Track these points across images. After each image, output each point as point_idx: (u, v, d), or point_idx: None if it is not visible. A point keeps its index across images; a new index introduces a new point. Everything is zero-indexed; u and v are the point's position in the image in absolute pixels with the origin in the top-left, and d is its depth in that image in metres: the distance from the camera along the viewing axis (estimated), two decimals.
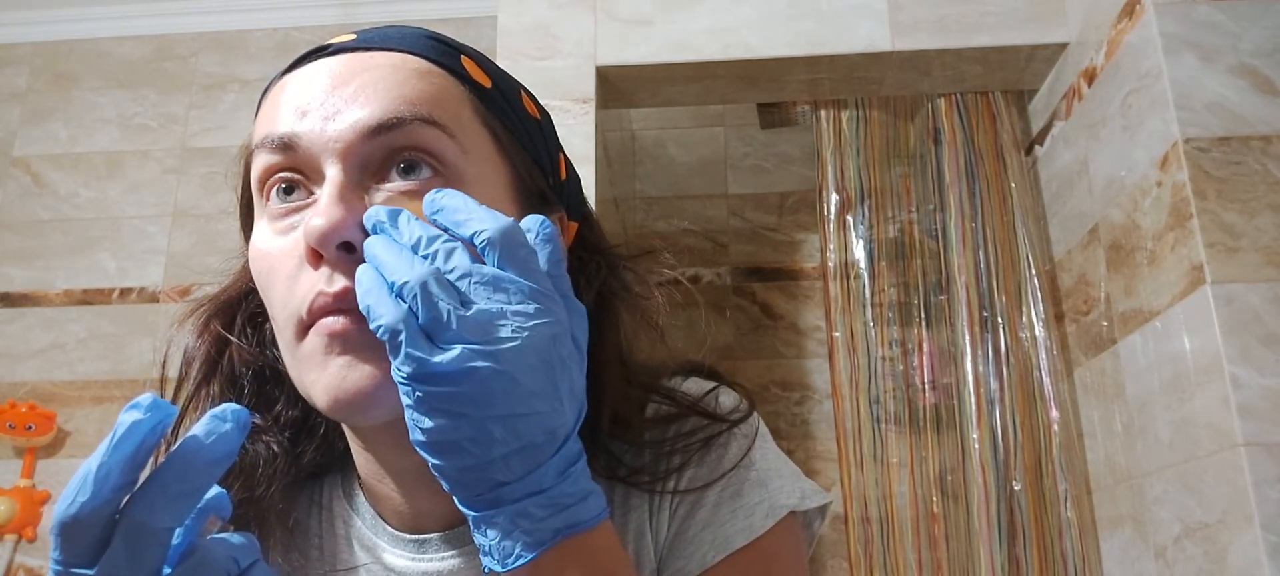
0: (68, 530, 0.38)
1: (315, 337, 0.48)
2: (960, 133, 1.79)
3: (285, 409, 0.60)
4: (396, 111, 0.50)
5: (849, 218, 1.82)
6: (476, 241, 0.44)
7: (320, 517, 0.63)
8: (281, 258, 0.50)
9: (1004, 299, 1.68)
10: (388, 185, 0.50)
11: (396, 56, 0.53)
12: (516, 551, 0.43)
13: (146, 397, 0.39)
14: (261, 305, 0.54)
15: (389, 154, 0.50)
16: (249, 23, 2.32)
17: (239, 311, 0.60)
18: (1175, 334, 1.30)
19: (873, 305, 1.77)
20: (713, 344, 2.02)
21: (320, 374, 0.48)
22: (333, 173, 0.49)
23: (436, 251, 0.44)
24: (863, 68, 1.74)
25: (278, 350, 0.53)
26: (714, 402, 0.61)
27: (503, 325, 0.42)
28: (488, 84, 0.55)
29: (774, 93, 1.84)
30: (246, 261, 0.57)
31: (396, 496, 0.58)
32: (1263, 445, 1.15)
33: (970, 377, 1.66)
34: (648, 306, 0.61)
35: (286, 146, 0.50)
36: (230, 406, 0.41)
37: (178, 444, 0.40)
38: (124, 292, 2.13)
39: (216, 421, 0.40)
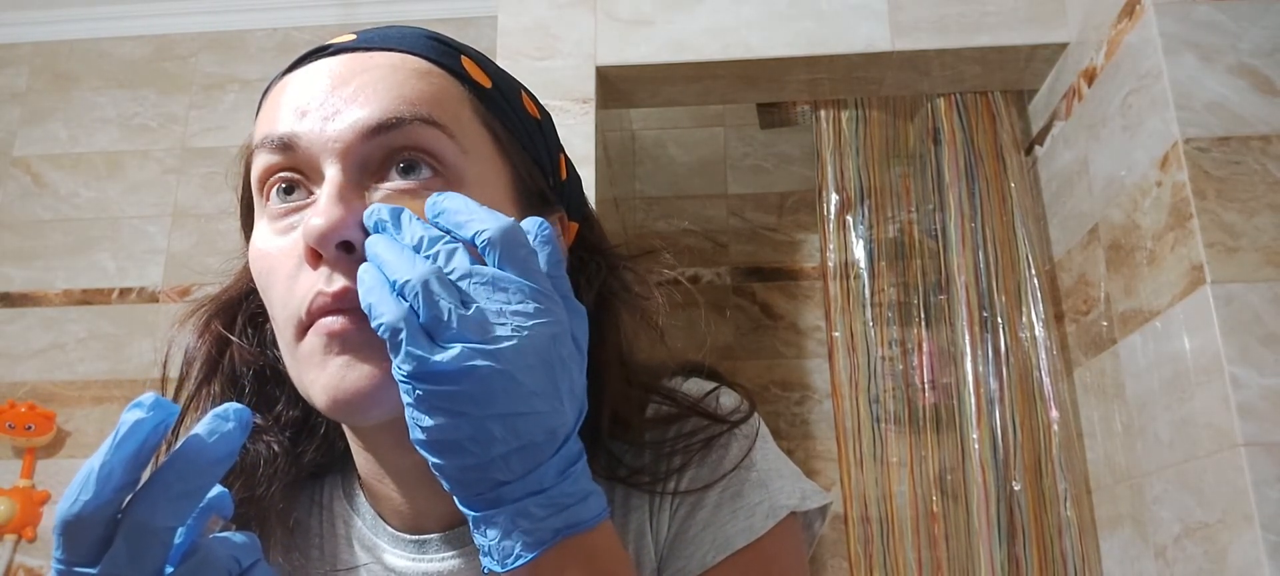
0: (70, 529, 0.38)
1: (314, 337, 0.48)
2: (960, 133, 1.79)
3: (286, 408, 0.60)
4: (396, 111, 0.50)
5: (849, 218, 1.82)
6: (477, 241, 0.44)
7: (321, 517, 0.63)
8: (281, 258, 0.50)
9: (1004, 299, 1.68)
10: (387, 185, 0.50)
11: (396, 57, 0.53)
12: (516, 551, 0.43)
13: (149, 397, 0.39)
14: (262, 305, 0.54)
15: (388, 154, 0.50)
16: (249, 23, 2.32)
17: (240, 311, 0.60)
18: (1175, 334, 1.30)
19: (872, 305, 1.77)
20: (713, 344, 2.02)
21: (319, 373, 0.48)
22: (332, 173, 0.49)
23: (438, 252, 0.44)
24: (863, 68, 1.74)
25: (278, 350, 0.53)
26: (715, 403, 0.61)
27: (502, 324, 0.42)
28: (488, 84, 0.56)
29: (774, 93, 1.84)
30: (247, 261, 0.57)
31: (397, 496, 0.58)
32: (1263, 445, 1.16)
33: (970, 377, 1.66)
34: (648, 307, 0.61)
35: (286, 146, 0.50)
36: (232, 405, 0.41)
37: (180, 443, 0.40)
38: (124, 292, 2.13)
39: (219, 420, 0.40)
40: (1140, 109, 1.39)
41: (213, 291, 0.62)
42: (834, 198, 1.83)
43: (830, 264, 1.80)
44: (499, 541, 0.43)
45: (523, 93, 0.59)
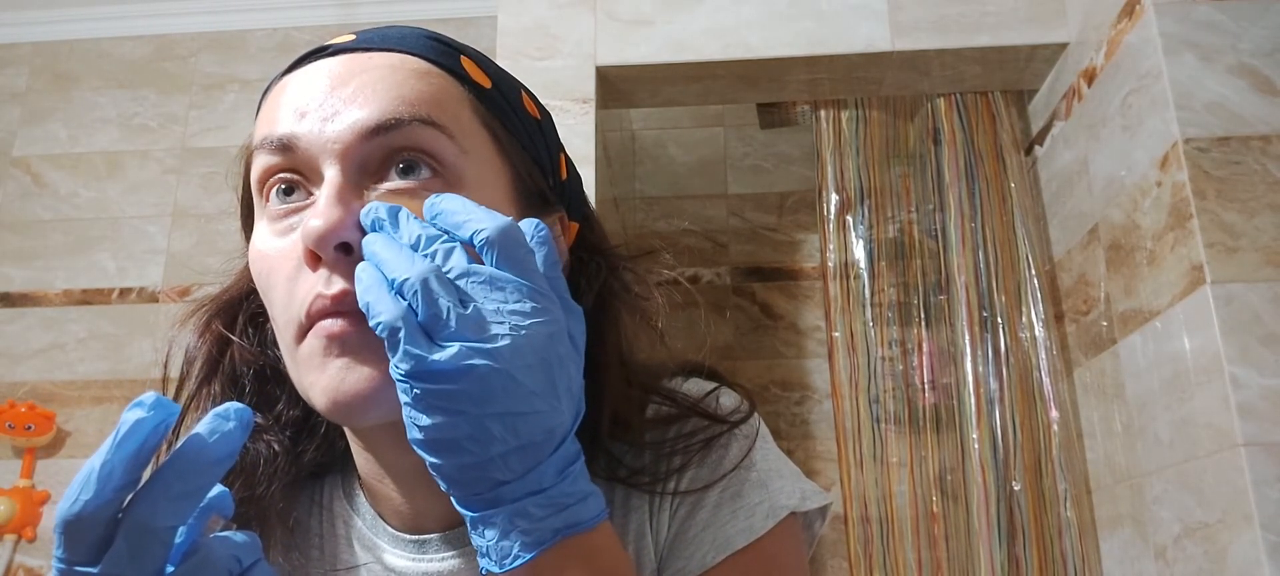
0: (71, 528, 0.38)
1: (314, 340, 0.48)
2: (960, 133, 1.79)
3: (287, 408, 0.60)
4: (395, 112, 0.50)
5: (849, 218, 1.82)
6: (475, 241, 0.44)
7: (321, 517, 0.63)
8: (280, 259, 0.50)
9: (1004, 299, 1.68)
10: (386, 185, 0.50)
11: (395, 57, 0.53)
12: (515, 551, 0.43)
13: (150, 396, 0.39)
14: (263, 305, 0.54)
15: (388, 155, 0.50)
16: (249, 23, 2.32)
17: (240, 311, 0.60)
18: (1175, 334, 1.30)
19: (872, 305, 1.77)
20: (713, 344, 2.02)
21: (319, 376, 0.48)
22: (331, 174, 0.49)
23: (436, 251, 0.44)
24: (863, 68, 1.74)
25: (279, 350, 0.53)
26: (715, 403, 0.61)
27: (500, 324, 0.42)
28: (487, 84, 0.55)
29: (774, 93, 1.84)
30: (248, 261, 0.57)
31: (396, 496, 0.58)
32: (1263, 445, 1.16)
33: (970, 377, 1.66)
34: (648, 307, 0.61)
35: (285, 147, 0.50)
36: (233, 405, 0.41)
37: (180, 443, 0.40)
38: (124, 292, 2.13)
39: (219, 420, 0.40)
40: (1140, 109, 1.39)
41: (213, 291, 0.62)
42: (834, 198, 1.83)
43: (830, 264, 1.80)
44: (497, 541, 0.43)
45: (523, 92, 0.59)
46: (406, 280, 0.42)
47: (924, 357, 1.74)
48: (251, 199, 0.55)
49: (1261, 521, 1.13)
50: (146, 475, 0.40)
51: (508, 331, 0.42)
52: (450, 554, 0.57)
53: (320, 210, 0.47)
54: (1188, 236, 1.27)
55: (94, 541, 0.38)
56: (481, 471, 0.42)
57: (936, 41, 1.68)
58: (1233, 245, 1.24)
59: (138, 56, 2.32)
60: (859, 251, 1.80)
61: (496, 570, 0.43)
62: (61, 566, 0.39)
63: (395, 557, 0.58)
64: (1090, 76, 1.57)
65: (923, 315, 1.77)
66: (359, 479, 0.61)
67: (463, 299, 0.42)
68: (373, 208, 0.46)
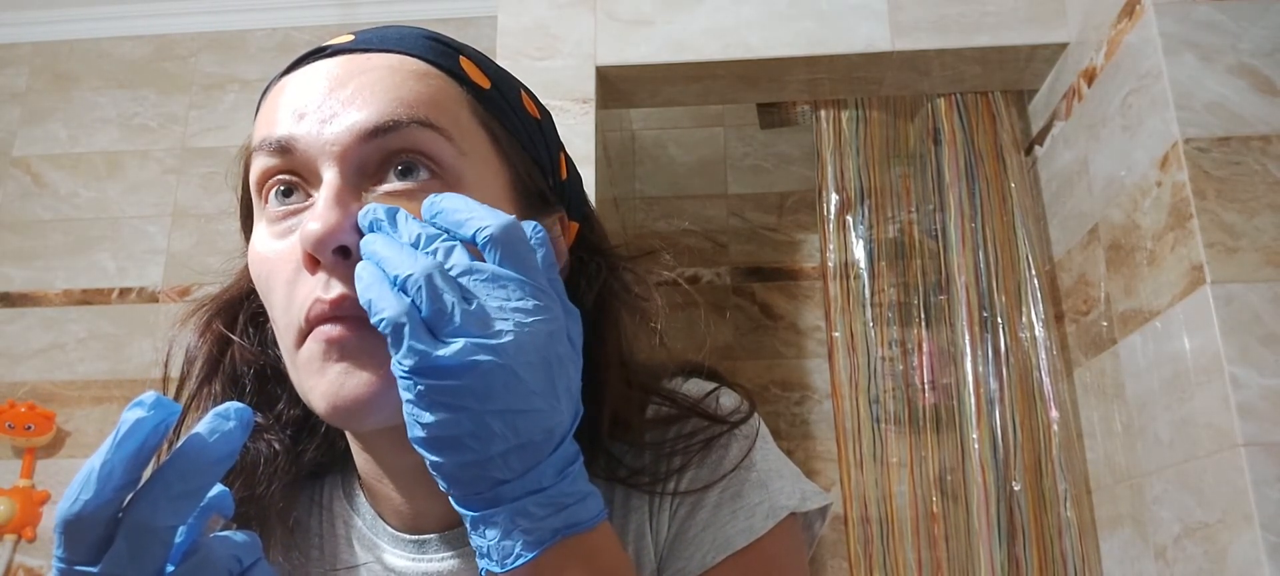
0: (71, 528, 0.38)
1: (313, 344, 0.48)
2: (960, 133, 1.79)
3: (287, 408, 0.60)
4: (393, 114, 0.50)
5: (849, 218, 1.82)
6: (479, 238, 0.44)
7: (321, 517, 0.63)
8: (280, 262, 0.50)
9: (1004, 299, 1.68)
10: (385, 187, 0.50)
11: (394, 58, 0.53)
12: (517, 551, 0.43)
13: (150, 396, 0.39)
14: (263, 305, 0.54)
15: (386, 157, 0.50)
16: (249, 23, 2.32)
17: (241, 311, 0.60)
18: (1175, 334, 1.30)
19: (872, 305, 1.77)
20: (713, 344, 2.02)
21: (319, 380, 0.48)
22: (330, 176, 0.49)
23: (437, 248, 0.44)
24: (863, 68, 1.74)
25: (279, 350, 0.53)
26: (715, 404, 0.61)
27: (503, 320, 0.42)
28: (486, 85, 0.55)
29: (774, 93, 1.84)
30: (248, 262, 0.57)
31: (396, 496, 0.58)
32: (1263, 445, 1.16)
33: (970, 377, 1.66)
34: (648, 308, 0.60)
35: (284, 149, 0.50)
36: (233, 405, 0.41)
37: (181, 442, 0.40)
38: (124, 292, 2.13)
39: (220, 420, 0.40)
40: (1140, 109, 1.39)
41: (213, 291, 0.62)
42: (834, 198, 1.83)
43: (830, 264, 1.80)
44: (498, 541, 0.43)
45: (522, 92, 0.59)
46: (409, 276, 0.42)
47: (924, 357, 1.74)
48: (250, 200, 0.55)
49: (1261, 521, 1.13)
50: (147, 475, 0.40)
51: (511, 327, 0.42)
52: (449, 554, 0.57)
53: (318, 213, 0.47)
54: (1188, 236, 1.27)
55: (94, 541, 0.38)
56: (482, 470, 0.42)
57: (936, 41, 1.68)
58: (1233, 245, 1.24)
59: (138, 56, 2.32)
60: (859, 251, 1.80)
61: (498, 570, 0.43)
62: (61, 566, 0.39)
63: (395, 557, 0.58)
64: (1090, 76, 1.57)
65: (923, 315, 1.77)
66: (359, 479, 0.61)
67: (466, 295, 0.42)
68: (371, 209, 0.46)
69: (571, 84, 1.69)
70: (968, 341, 1.68)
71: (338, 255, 0.47)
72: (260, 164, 0.51)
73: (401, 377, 0.41)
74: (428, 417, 0.41)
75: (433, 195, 0.47)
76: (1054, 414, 1.61)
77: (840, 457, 1.71)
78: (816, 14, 1.71)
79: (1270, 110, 1.30)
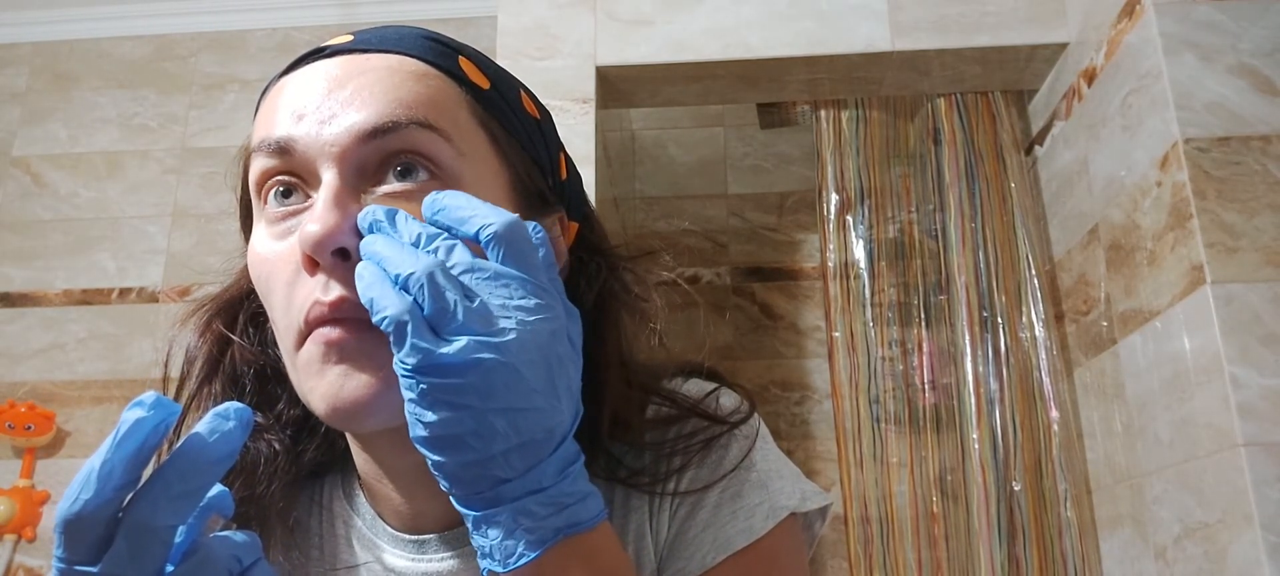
0: (71, 528, 0.38)
1: (312, 346, 0.48)
2: (960, 133, 1.79)
3: (287, 408, 0.60)
4: (392, 115, 0.50)
5: (849, 218, 1.82)
6: (482, 235, 0.44)
7: (320, 517, 0.63)
8: (279, 263, 0.50)
9: (1004, 299, 1.68)
10: (384, 189, 0.50)
11: (393, 59, 0.53)
12: (519, 550, 0.43)
13: (150, 396, 0.39)
14: (263, 305, 0.54)
15: (385, 158, 0.50)
16: (249, 23, 2.32)
17: (241, 311, 0.60)
18: (1175, 334, 1.30)
19: (873, 305, 1.77)
20: (712, 344, 2.02)
21: (318, 382, 0.48)
22: (329, 177, 0.49)
23: (438, 247, 0.44)
24: (863, 68, 1.74)
25: (279, 350, 0.53)
26: (715, 404, 0.60)
27: (506, 318, 0.42)
28: (486, 85, 0.55)
29: (774, 93, 1.84)
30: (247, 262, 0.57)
31: (396, 496, 0.58)
32: (1263, 445, 1.16)
33: (970, 377, 1.66)
34: (648, 308, 0.60)
35: (283, 150, 0.50)
36: (233, 404, 0.41)
37: (180, 442, 0.40)
38: (124, 292, 2.13)
39: (219, 420, 0.40)
40: (1140, 109, 1.39)
41: (213, 291, 0.62)
42: (834, 198, 1.83)
43: (830, 264, 1.80)
44: (501, 541, 0.43)
45: (522, 92, 0.59)
46: (411, 275, 0.41)
47: (924, 357, 1.74)
48: (250, 200, 0.55)
49: (1261, 521, 1.12)
50: (147, 475, 0.40)
51: (514, 326, 0.42)
52: (449, 554, 0.57)
53: (317, 215, 0.47)
54: (1188, 236, 1.27)
55: (94, 541, 0.38)
56: (483, 469, 0.42)
57: (936, 41, 1.68)
58: (1233, 245, 1.24)
59: (138, 56, 2.32)
60: (859, 251, 1.80)
61: (500, 570, 0.43)
62: (61, 566, 0.39)
63: (394, 557, 0.58)
64: (1090, 76, 1.57)
65: (923, 315, 1.77)
66: (359, 479, 0.61)
67: (468, 293, 0.42)
68: (370, 210, 0.46)
69: (571, 84, 1.69)
70: (968, 341, 1.68)
71: (337, 257, 0.47)
72: (259, 165, 0.51)
73: (404, 376, 0.41)
74: (430, 416, 0.41)
75: (434, 192, 0.47)
76: (1054, 414, 1.61)
77: (840, 457, 1.71)
78: (816, 14, 1.71)
79: (1270, 110, 1.30)
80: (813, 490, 0.61)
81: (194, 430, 0.40)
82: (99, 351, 2.09)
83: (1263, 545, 1.12)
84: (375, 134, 0.49)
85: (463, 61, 0.55)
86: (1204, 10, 1.35)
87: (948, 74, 1.75)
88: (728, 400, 0.61)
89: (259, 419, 0.59)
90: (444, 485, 0.43)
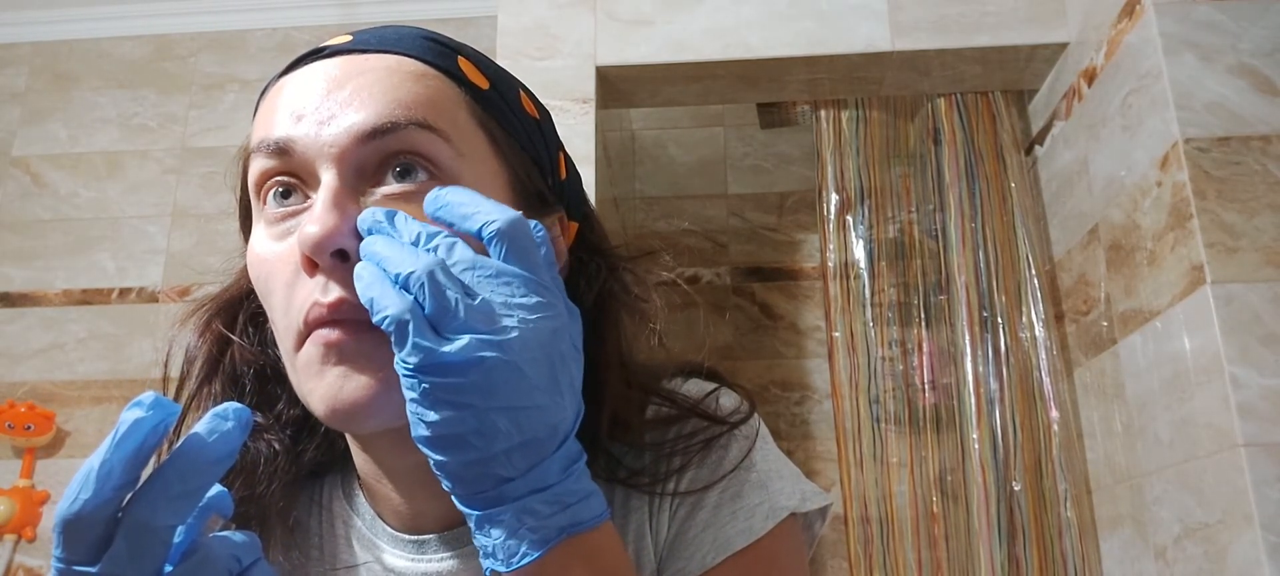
0: (70, 528, 0.38)
1: (311, 348, 0.48)
2: (960, 133, 1.79)
3: (287, 407, 0.60)
4: (391, 116, 0.49)
5: (849, 218, 1.82)
6: (484, 232, 0.44)
7: (320, 517, 0.63)
8: (278, 263, 0.50)
9: (1004, 299, 1.68)
10: (383, 190, 0.49)
11: (392, 59, 0.53)
12: (523, 549, 0.43)
13: (149, 396, 0.39)
14: (263, 305, 0.54)
15: (384, 158, 0.50)
16: (249, 23, 2.32)
17: (241, 311, 0.60)
18: (1175, 334, 1.30)
19: (873, 305, 1.77)
20: (712, 344, 2.02)
21: (317, 383, 0.48)
22: (328, 178, 0.49)
23: (438, 245, 0.43)
24: (863, 68, 1.74)
25: (279, 350, 0.53)
26: (714, 404, 0.60)
27: (508, 316, 0.42)
28: (485, 85, 0.55)
29: (774, 93, 1.84)
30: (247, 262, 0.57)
31: (395, 497, 0.58)
32: (1263, 445, 1.15)
33: (970, 377, 1.66)
34: (647, 309, 0.60)
35: (282, 151, 0.50)
36: (232, 405, 0.41)
37: (180, 442, 0.40)
38: (124, 292, 2.13)
39: (218, 420, 0.40)
40: (1140, 109, 1.39)
41: (213, 291, 0.62)
42: (834, 198, 1.83)
43: (830, 264, 1.80)
44: (504, 540, 0.43)
45: (521, 91, 0.59)
46: (411, 274, 0.41)
47: (924, 357, 1.74)
48: (249, 200, 0.55)
49: (1261, 521, 1.12)
50: (146, 474, 0.39)
51: (516, 324, 0.42)
52: (449, 554, 0.57)
53: (316, 216, 0.47)
54: (1188, 236, 1.27)
55: (93, 541, 0.38)
56: (486, 468, 0.42)
57: (936, 41, 1.68)
58: (1233, 245, 1.24)
59: (138, 56, 2.32)
60: (859, 251, 1.80)
61: (503, 569, 0.43)
62: (60, 566, 0.39)
63: (394, 558, 0.58)
64: (1090, 76, 1.57)
65: (923, 315, 1.77)
66: (358, 479, 0.61)
67: (469, 291, 0.42)
68: (370, 213, 0.46)
69: (571, 84, 1.69)
70: (968, 341, 1.68)
71: (336, 258, 0.47)
72: (258, 165, 0.51)
73: (406, 376, 0.41)
74: (432, 416, 0.41)
75: (437, 188, 0.47)
76: (1054, 414, 1.61)
77: (840, 457, 1.71)
78: (816, 14, 1.71)
79: (1270, 110, 1.30)
80: (812, 490, 0.61)
81: (193, 430, 0.40)
82: (99, 351, 2.09)
83: (1263, 545, 1.12)
84: (374, 135, 0.49)
85: (462, 62, 0.55)
86: (1204, 10, 1.35)
87: (948, 74, 1.75)
88: (728, 400, 0.61)
89: (259, 419, 0.59)
90: (446, 485, 0.43)
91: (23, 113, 2.29)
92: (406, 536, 0.58)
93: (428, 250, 0.43)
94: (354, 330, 0.46)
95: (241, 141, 0.56)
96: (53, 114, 2.28)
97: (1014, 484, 1.60)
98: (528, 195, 0.56)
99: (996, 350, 1.66)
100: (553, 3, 1.75)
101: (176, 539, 0.41)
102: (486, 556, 0.44)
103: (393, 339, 0.41)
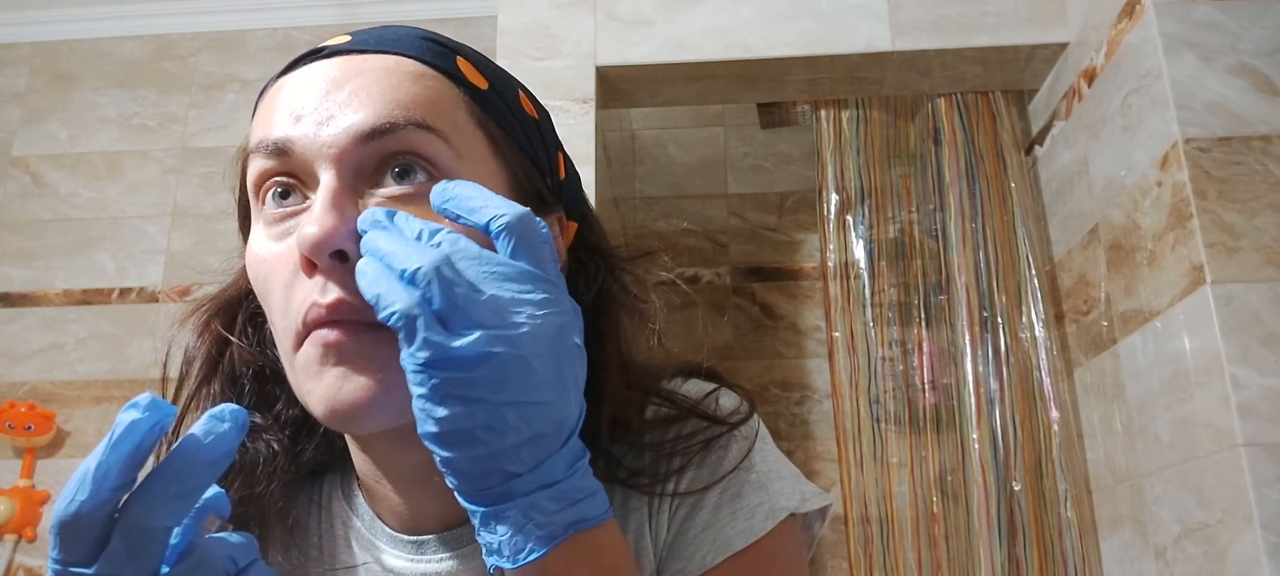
0: (67, 529, 0.38)
1: (310, 348, 0.48)
2: (960, 133, 1.79)
3: (286, 408, 0.60)
4: (390, 116, 0.49)
5: (849, 218, 1.82)
6: (493, 226, 0.44)
7: (319, 517, 0.63)
8: (277, 264, 0.50)
9: (1004, 299, 1.68)
10: (382, 191, 0.49)
11: (391, 59, 0.52)
12: (529, 546, 0.42)
13: (145, 397, 0.39)
14: (262, 306, 0.54)
15: (383, 159, 0.50)
16: (249, 23, 2.32)
17: (240, 311, 0.60)
18: (1175, 334, 1.30)
19: (873, 305, 1.77)
20: (712, 344, 2.02)
21: (316, 384, 0.48)
22: (327, 178, 0.48)
23: (442, 240, 0.43)
24: (863, 68, 1.74)
25: (278, 350, 0.53)
26: (714, 404, 0.60)
27: (517, 312, 0.41)
28: (484, 85, 0.55)
29: (774, 93, 1.84)
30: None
31: (395, 497, 0.58)
32: (1263, 445, 1.15)
33: (970, 377, 1.66)
34: (647, 309, 0.60)
35: (281, 151, 0.50)
36: (228, 406, 0.41)
37: (177, 443, 0.40)
38: (124, 293, 2.13)
39: (215, 421, 0.40)
40: (1140, 109, 1.39)
41: (212, 291, 0.62)
42: (834, 198, 1.83)
43: (830, 264, 1.80)
44: (511, 536, 0.42)
45: (520, 91, 0.59)
46: (418, 269, 0.41)
47: (924, 357, 1.74)
48: (248, 201, 0.55)
49: (1261, 521, 1.12)
50: (143, 476, 0.39)
51: (525, 319, 0.41)
52: (448, 555, 0.57)
53: (315, 217, 0.47)
54: (1188, 236, 1.27)
55: (90, 541, 0.38)
56: (494, 463, 0.42)
57: (936, 41, 1.67)
58: (1233, 245, 1.24)
59: (137, 56, 2.32)
60: (859, 251, 1.80)
61: (509, 566, 0.43)
62: (57, 567, 0.39)
63: (393, 558, 0.58)
64: (1090, 76, 1.57)
65: (923, 315, 1.77)
66: (357, 479, 0.61)
67: (476, 286, 0.42)
68: (370, 213, 0.46)
69: (571, 84, 1.69)
70: (968, 341, 1.68)
71: (335, 259, 0.47)
72: (257, 166, 0.51)
73: (414, 371, 0.40)
74: (441, 411, 0.40)
75: (443, 182, 0.47)
76: (1054, 414, 1.61)
77: (840, 457, 1.71)
78: (816, 14, 1.71)
79: (1270, 110, 1.30)
80: (812, 490, 0.61)
81: (189, 431, 0.40)
82: (99, 351, 2.09)
83: (1263, 545, 1.12)
84: (373, 135, 0.49)
85: (461, 62, 0.55)
86: (1204, 10, 1.35)
87: (948, 74, 1.75)
88: (727, 400, 0.61)
89: (257, 419, 0.59)
90: (452, 481, 0.43)
91: (23, 113, 2.29)
92: (405, 536, 0.58)
93: (432, 245, 0.43)
94: (353, 331, 0.46)
95: (241, 142, 0.56)
96: (53, 114, 2.28)
97: (1014, 484, 1.60)
98: (527, 195, 0.56)
99: (996, 350, 1.66)
100: (553, 3, 1.75)
101: (173, 540, 0.41)
102: (491, 553, 0.43)
103: (401, 335, 0.40)
